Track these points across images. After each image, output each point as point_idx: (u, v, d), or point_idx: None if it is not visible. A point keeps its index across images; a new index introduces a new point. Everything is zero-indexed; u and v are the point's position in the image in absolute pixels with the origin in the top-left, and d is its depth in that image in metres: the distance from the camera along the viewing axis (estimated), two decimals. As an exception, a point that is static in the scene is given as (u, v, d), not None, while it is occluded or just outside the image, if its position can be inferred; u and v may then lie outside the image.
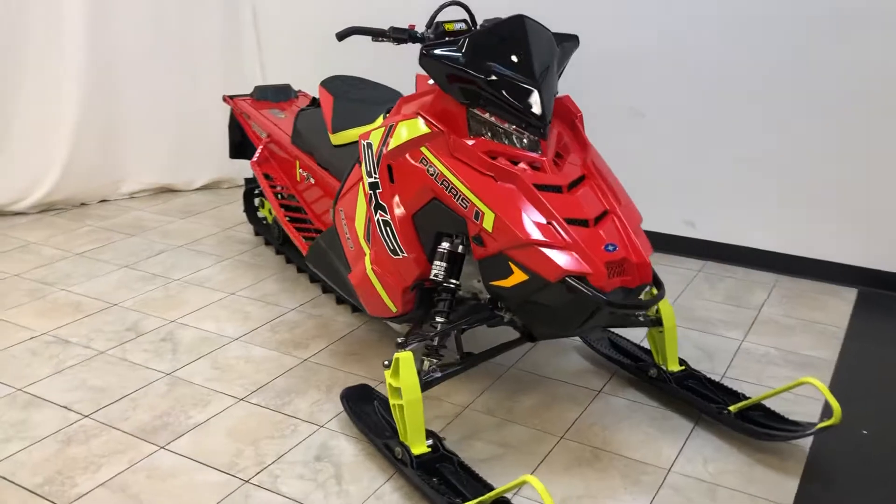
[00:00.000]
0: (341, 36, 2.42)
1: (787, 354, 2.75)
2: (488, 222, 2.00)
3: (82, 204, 4.30)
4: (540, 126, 2.07)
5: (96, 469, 2.11)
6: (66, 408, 2.38)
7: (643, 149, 3.63)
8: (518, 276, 1.99)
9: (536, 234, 1.96)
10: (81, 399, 2.43)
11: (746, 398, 2.27)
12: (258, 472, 2.10)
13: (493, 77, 2.08)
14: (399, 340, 2.19)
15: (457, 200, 2.06)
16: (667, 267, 3.52)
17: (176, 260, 3.56)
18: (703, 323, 2.98)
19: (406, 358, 2.04)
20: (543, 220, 1.98)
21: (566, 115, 2.29)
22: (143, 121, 4.37)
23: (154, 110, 4.38)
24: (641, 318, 2.36)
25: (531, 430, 2.29)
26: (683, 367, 2.43)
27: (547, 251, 1.95)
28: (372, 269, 2.34)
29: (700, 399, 2.33)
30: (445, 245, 2.18)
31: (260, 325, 2.93)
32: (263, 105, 3.59)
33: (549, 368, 2.64)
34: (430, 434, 2.06)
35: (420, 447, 2.02)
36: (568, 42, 2.32)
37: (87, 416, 2.33)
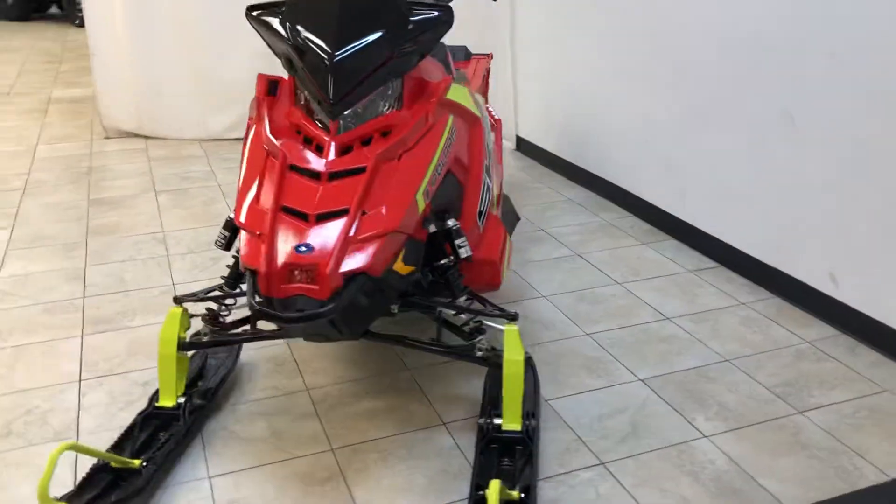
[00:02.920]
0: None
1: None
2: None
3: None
4: (328, 105, 1.91)
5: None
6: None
7: (791, 167, 2.72)
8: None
9: (242, 217, 1.88)
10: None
11: None
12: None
13: (296, 44, 1.97)
14: (175, 296, 2.30)
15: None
16: (787, 331, 2.67)
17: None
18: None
19: (173, 313, 2.16)
20: (261, 205, 1.87)
21: (422, 96, 2.03)
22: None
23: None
24: (480, 353, 2.03)
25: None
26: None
27: (245, 236, 1.86)
28: None
29: None
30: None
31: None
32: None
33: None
34: (191, 393, 2.16)
35: (166, 401, 2.14)
36: (428, 15, 2.00)
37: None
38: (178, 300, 2.23)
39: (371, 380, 2.39)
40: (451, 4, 2.08)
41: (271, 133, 1.97)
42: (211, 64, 4.68)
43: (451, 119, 2.06)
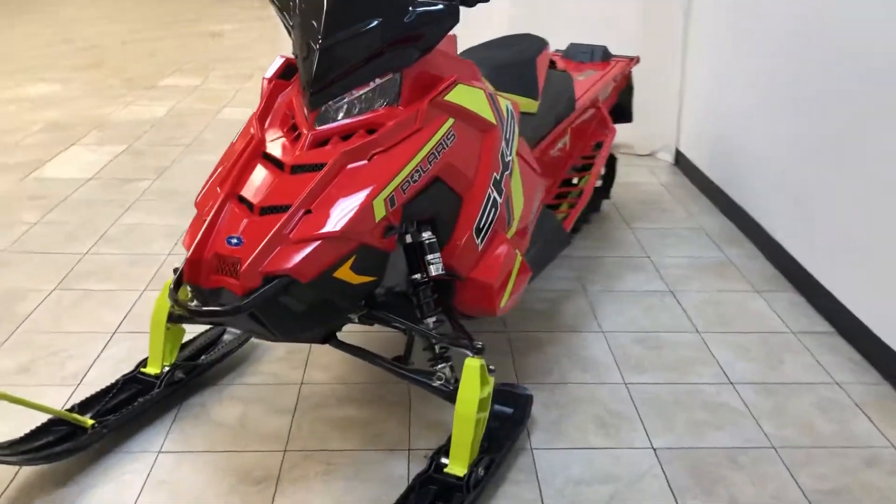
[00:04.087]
0: None
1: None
2: None
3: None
4: (307, 94, 1.83)
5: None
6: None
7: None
8: None
9: (198, 196, 1.86)
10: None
11: None
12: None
13: (289, 24, 1.91)
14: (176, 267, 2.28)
15: None
16: (874, 427, 2.20)
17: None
18: None
19: (169, 283, 2.20)
20: (218, 190, 1.84)
21: (422, 88, 1.87)
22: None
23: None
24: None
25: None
26: None
27: (194, 217, 1.85)
28: None
29: None
30: None
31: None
32: (571, 64, 3.46)
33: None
34: (177, 365, 2.20)
35: (151, 368, 2.19)
36: (430, 8, 1.83)
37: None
38: (177, 270, 2.25)
39: (366, 386, 2.29)
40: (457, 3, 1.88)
41: (262, 117, 1.91)
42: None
43: (448, 123, 1.88)
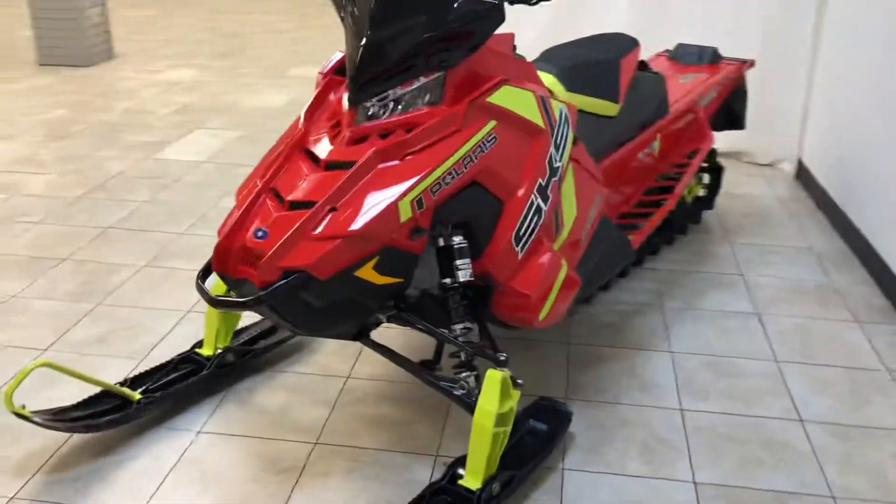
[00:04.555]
0: None
1: None
2: None
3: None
4: (349, 90, 1.83)
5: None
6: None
7: None
8: None
9: (239, 188, 1.91)
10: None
11: None
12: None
13: (342, 15, 1.91)
14: None
15: None
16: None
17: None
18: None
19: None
20: (257, 183, 1.87)
21: (468, 88, 1.82)
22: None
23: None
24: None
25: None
26: None
27: (232, 211, 1.89)
28: None
29: None
30: None
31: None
32: (676, 66, 3.29)
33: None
34: (230, 348, 2.26)
35: (206, 349, 2.26)
36: (474, 6, 1.77)
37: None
38: None
39: (408, 386, 2.27)
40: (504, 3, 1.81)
41: (311, 110, 1.93)
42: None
43: (489, 125, 1.82)
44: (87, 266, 2.93)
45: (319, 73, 2.01)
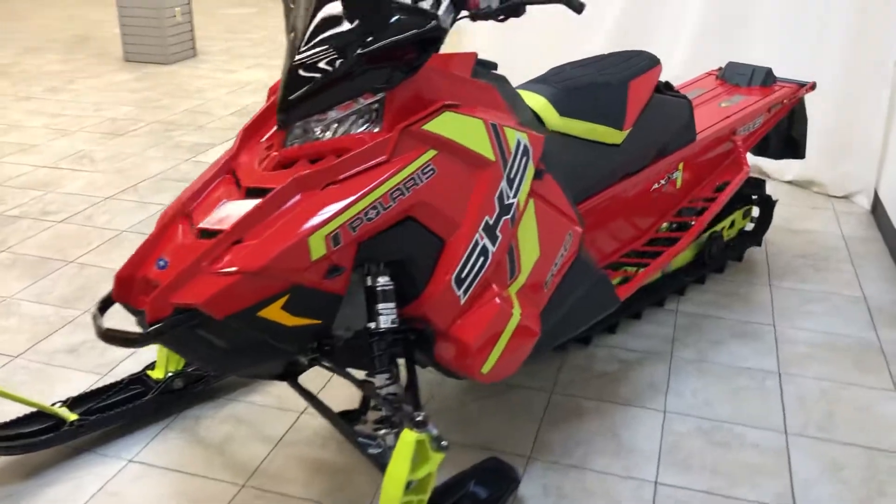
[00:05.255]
0: None
1: None
2: None
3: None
4: (279, 105, 1.66)
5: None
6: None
7: None
8: None
9: (163, 212, 1.79)
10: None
11: None
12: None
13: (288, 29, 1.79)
14: None
15: None
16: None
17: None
18: None
19: None
20: (174, 207, 1.75)
21: (410, 113, 1.65)
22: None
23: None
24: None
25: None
26: None
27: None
28: None
29: None
30: None
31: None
32: (723, 87, 2.99)
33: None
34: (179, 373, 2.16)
35: (156, 372, 2.16)
36: (408, 21, 1.61)
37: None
38: None
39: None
40: (442, 23, 1.62)
41: (249, 129, 1.80)
42: (567, 45, 4.42)
43: (426, 155, 1.64)
44: (89, 271, 2.92)
45: (270, 88, 1.88)
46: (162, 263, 1.59)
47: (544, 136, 1.85)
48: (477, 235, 1.72)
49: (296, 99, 1.63)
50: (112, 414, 2.04)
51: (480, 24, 4.40)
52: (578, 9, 1.79)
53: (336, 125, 1.67)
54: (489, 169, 1.73)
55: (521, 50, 4.35)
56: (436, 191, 1.66)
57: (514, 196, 1.78)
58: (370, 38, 1.60)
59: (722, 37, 3.82)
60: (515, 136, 1.78)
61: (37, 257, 3.01)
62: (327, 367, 1.77)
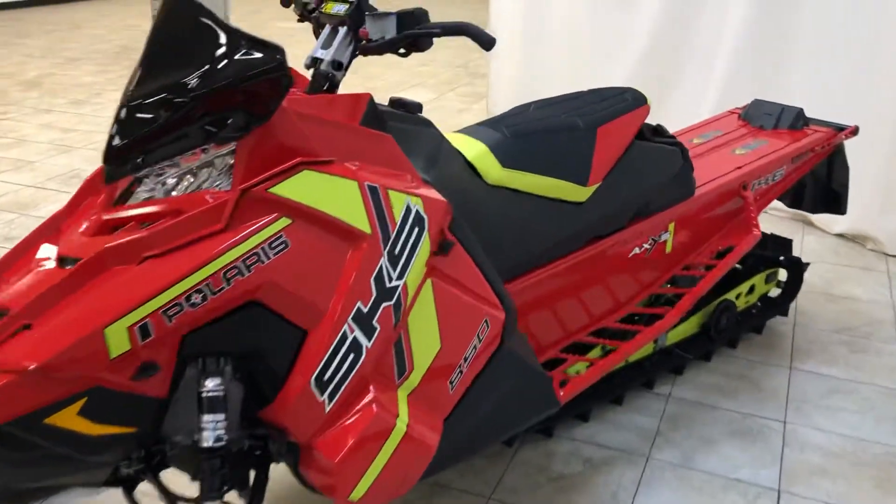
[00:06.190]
0: None
1: None
2: None
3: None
4: (105, 154, 1.34)
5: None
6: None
7: None
8: None
9: None
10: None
11: None
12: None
13: None
14: None
15: None
16: None
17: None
18: None
19: None
20: None
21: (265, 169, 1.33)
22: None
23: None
24: None
25: None
26: None
27: None
28: None
29: None
30: None
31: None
32: (746, 128, 2.55)
33: None
34: None
35: None
36: (253, 59, 1.29)
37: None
38: None
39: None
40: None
41: (93, 181, 1.49)
42: (592, 72, 4.08)
43: (277, 225, 1.30)
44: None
45: None
46: None
47: (450, 203, 1.48)
48: (346, 327, 1.36)
49: (122, 147, 1.31)
50: None
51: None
52: (488, 45, 1.45)
53: (191, 179, 1.35)
54: (364, 243, 1.36)
55: (541, 79, 4.15)
56: (288, 270, 1.31)
57: (401, 277, 1.41)
58: (207, 76, 1.27)
59: (754, 70, 3.36)
60: (404, 202, 1.41)
61: None
62: (153, 483, 1.44)
